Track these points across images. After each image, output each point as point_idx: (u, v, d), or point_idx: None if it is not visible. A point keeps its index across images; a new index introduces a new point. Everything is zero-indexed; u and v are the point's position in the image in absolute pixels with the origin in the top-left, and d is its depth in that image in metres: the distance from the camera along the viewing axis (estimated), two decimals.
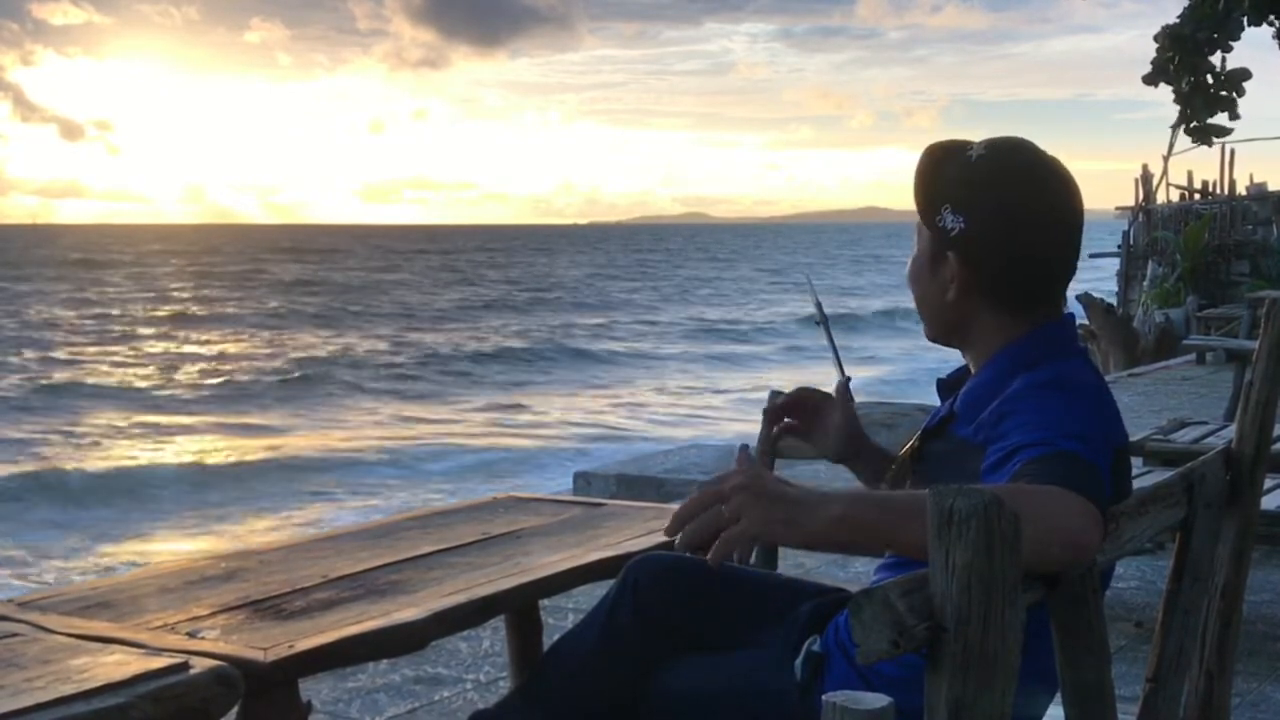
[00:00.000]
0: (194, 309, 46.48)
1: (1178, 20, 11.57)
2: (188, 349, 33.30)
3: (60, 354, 30.96)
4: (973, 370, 1.95)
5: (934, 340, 1.99)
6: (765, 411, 2.25)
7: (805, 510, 1.51)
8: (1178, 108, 11.71)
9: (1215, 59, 11.65)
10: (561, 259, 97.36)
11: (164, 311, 45.05)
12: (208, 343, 34.99)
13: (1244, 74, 11.52)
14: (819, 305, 2.41)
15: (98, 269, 73.92)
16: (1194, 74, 11.47)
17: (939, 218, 1.87)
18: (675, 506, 1.62)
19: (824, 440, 2.21)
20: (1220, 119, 11.76)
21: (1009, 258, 1.84)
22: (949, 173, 1.87)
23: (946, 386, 2.02)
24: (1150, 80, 11.62)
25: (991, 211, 1.83)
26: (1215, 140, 12.29)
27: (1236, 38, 11.51)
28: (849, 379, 2.22)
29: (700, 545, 1.53)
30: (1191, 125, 11.75)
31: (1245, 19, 11.22)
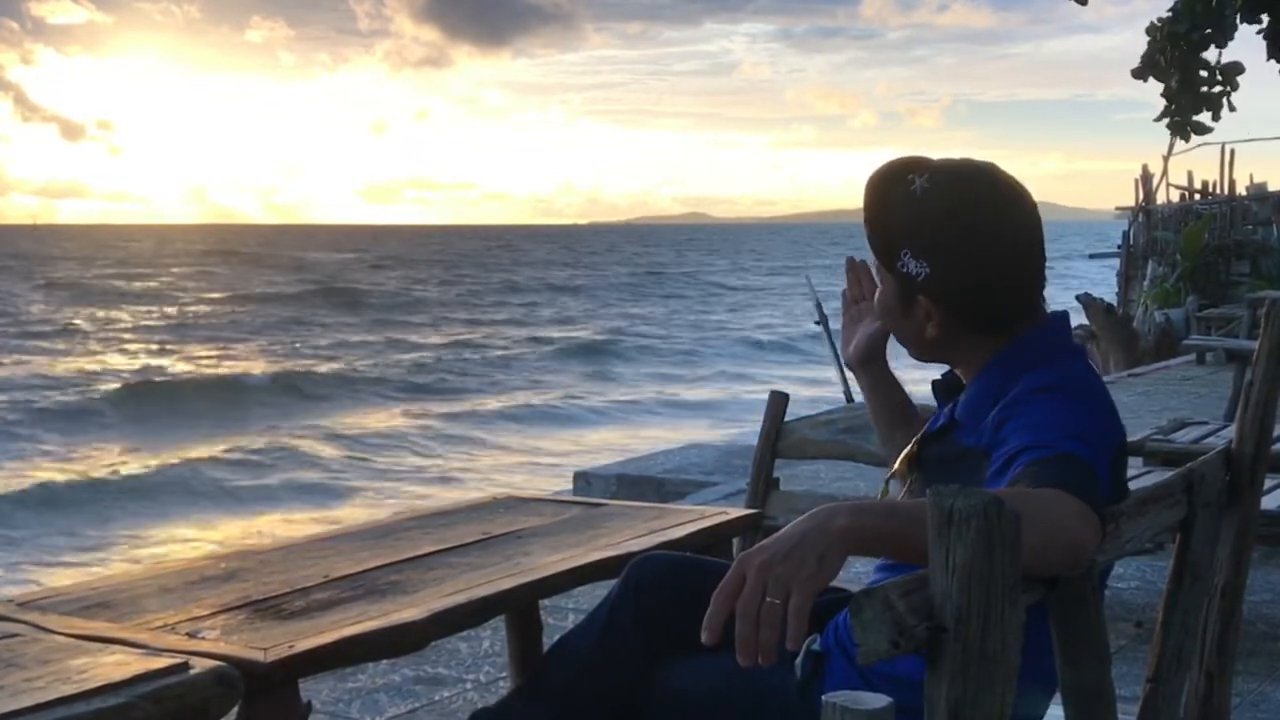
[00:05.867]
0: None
1: (1169, 15, 11.54)
2: None
3: None
4: (965, 381, 1.95)
5: (922, 361, 2.00)
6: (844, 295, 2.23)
7: (813, 538, 1.43)
8: (1164, 103, 11.69)
9: (1210, 55, 11.63)
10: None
11: None
12: None
13: (1238, 68, 11.50)
14: (819, 306, 2.41)
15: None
16: (1185, 71, 11.44)
17: (900, 263, 1.86)
18: (675, 506, 1.59)
19: (855, 338, 2.20)
20: (1204, 117, 11.73)
21: (978, 291, 1.84)
22: (898, 212, 1.85)
23: (942, 388, 2.02)
24: (1139, 74, 11.60)
25: (952, 252, 1.82)
26: (1195, 137, 12.29)
27: (1231, 36, 11.49)
28: None
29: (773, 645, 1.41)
30: (1174, 120, 11.72)
31: (1239, 17, 11.19)
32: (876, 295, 1.97)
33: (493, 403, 22.99)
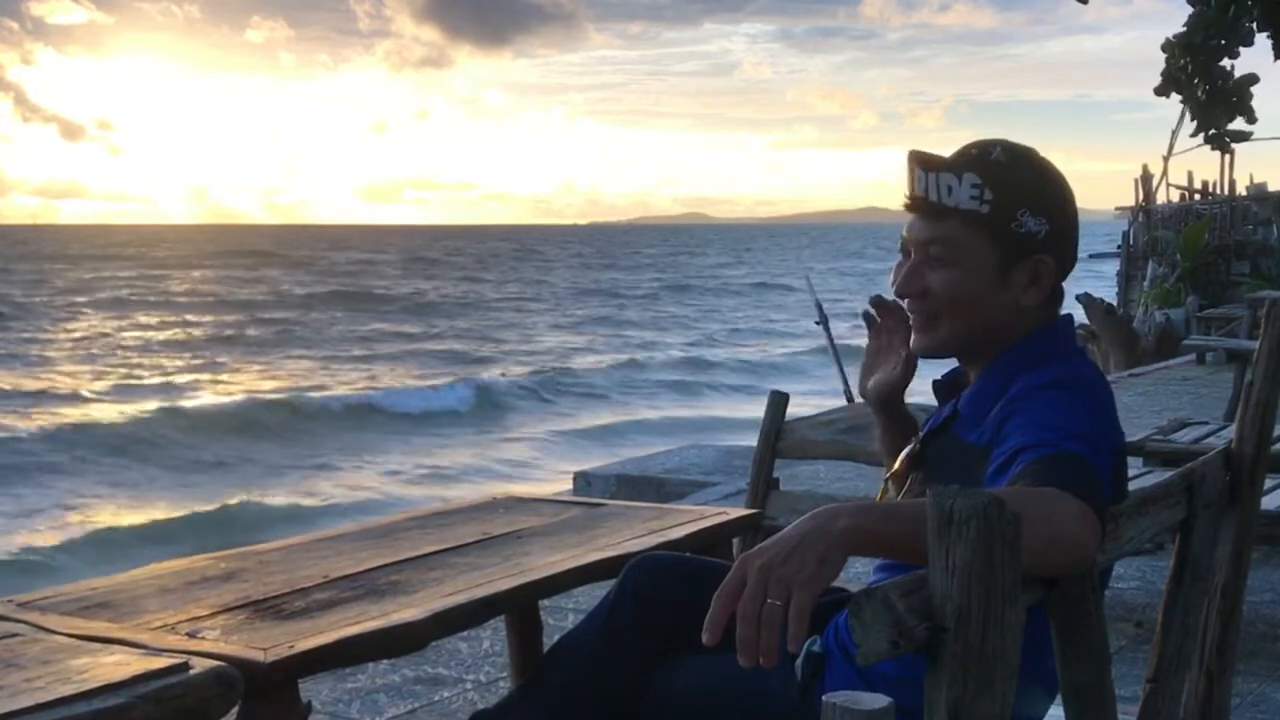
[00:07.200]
0: None
1: (1184, 29, 11.54)
2: None
3: None
4: (972, 377, 1.94)
5: (945, 353, 1.94)
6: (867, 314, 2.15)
7: (814, 539, 1.43)
8: (1185, 112, 11.69)
9: (1225, 64, 11.62)
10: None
11: None
12: None
13: (1252, 79, 11.50)
14: (819, 306, 2.41)
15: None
16: (1209, 81, 11.44)
17: (1016, 223, 1.84)
18: (675, 506, 1.59)
19: (873, 377, 2.15)
20: (1237, 123, 11.72)
21: (1074, 255, 1.91)
22: (1005, 176, 1.84)
23: (943, 388, 2.02)
24: (1162, 91, 11.58)
25: (1061, 211, 1.87)
26: (1235, 145, 12.26)
27: (1250, 43, 11.47)
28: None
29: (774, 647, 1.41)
30: (1210, 133, 11.69)
31: (1255, 25, 11.18)
32: (946, 284, 1.88)
33: (647, 411, 22.96)
